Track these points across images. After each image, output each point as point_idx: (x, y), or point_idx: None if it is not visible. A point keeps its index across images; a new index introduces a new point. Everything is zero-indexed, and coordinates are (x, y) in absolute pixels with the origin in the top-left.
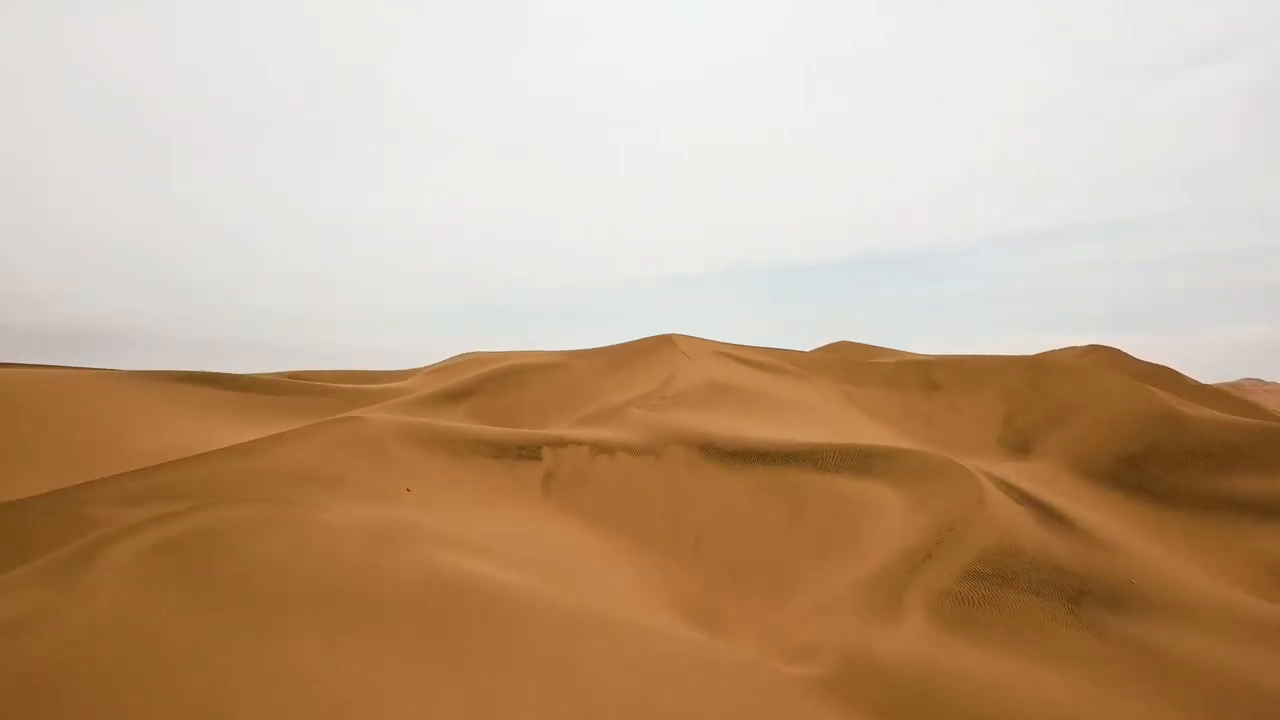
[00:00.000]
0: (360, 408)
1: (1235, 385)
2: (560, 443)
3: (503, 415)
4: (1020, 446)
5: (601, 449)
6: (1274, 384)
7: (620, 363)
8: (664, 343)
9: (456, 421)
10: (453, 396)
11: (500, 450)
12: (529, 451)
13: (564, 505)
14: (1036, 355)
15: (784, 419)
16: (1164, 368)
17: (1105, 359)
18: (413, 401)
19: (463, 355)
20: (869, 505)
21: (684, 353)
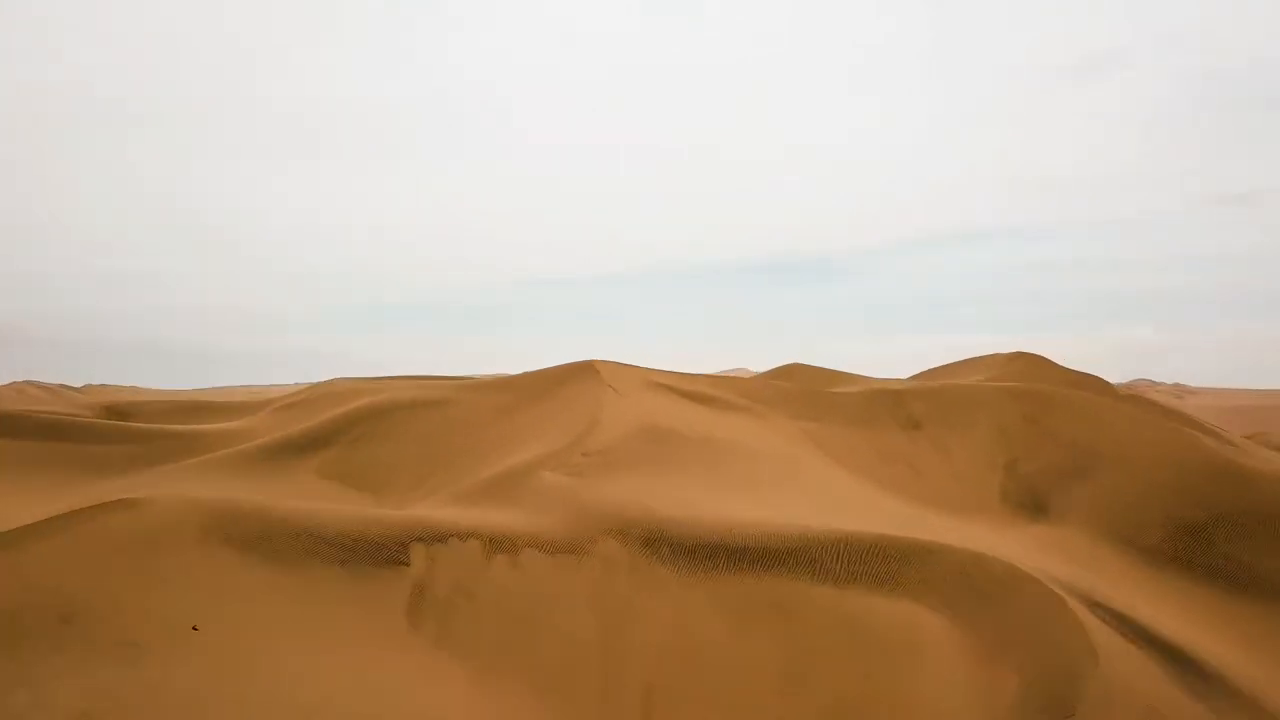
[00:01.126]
0: (173, 463)
1: (1130, 386)
2: (437, 535)
3: (366, 475)
4: (1033, 504)
5: (499, 545)
6: (1163, 384)
7: (526, 399)
8: (583, 372)
9: (301, 484)
10: (302, 447)
11: (348, 551)
12: (391, 553)
13: (440, 642)
14: (1026, 386)
15: (748, 478)
16: (1092, 376)
17: (1032, 367)
18: (247, 454)
19: (326, 384)
20: (907, 645)
21: (610, 385)
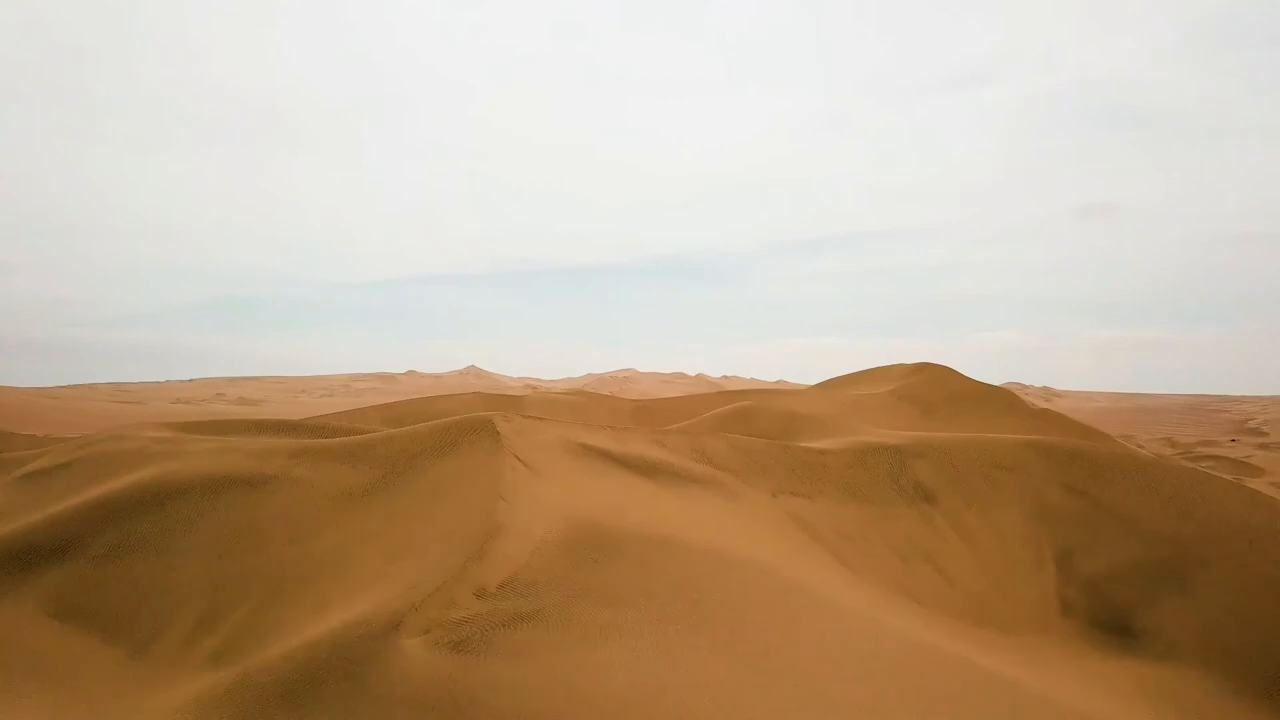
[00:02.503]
0: None
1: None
2: None
3: (122, 615)
4: (1111, 623)
5: None
6: (1033, 387)
7: (390, 478)
8: (476, 434)
9: (13, 630)
10: (23, 558)
11: None
12: None
13: None
14: (1058, 441)
15: (739, 634)
16: (1000, 389)
17: (940, 378)
18: None
19: (104, 437)
20: None
21: (516, 455)
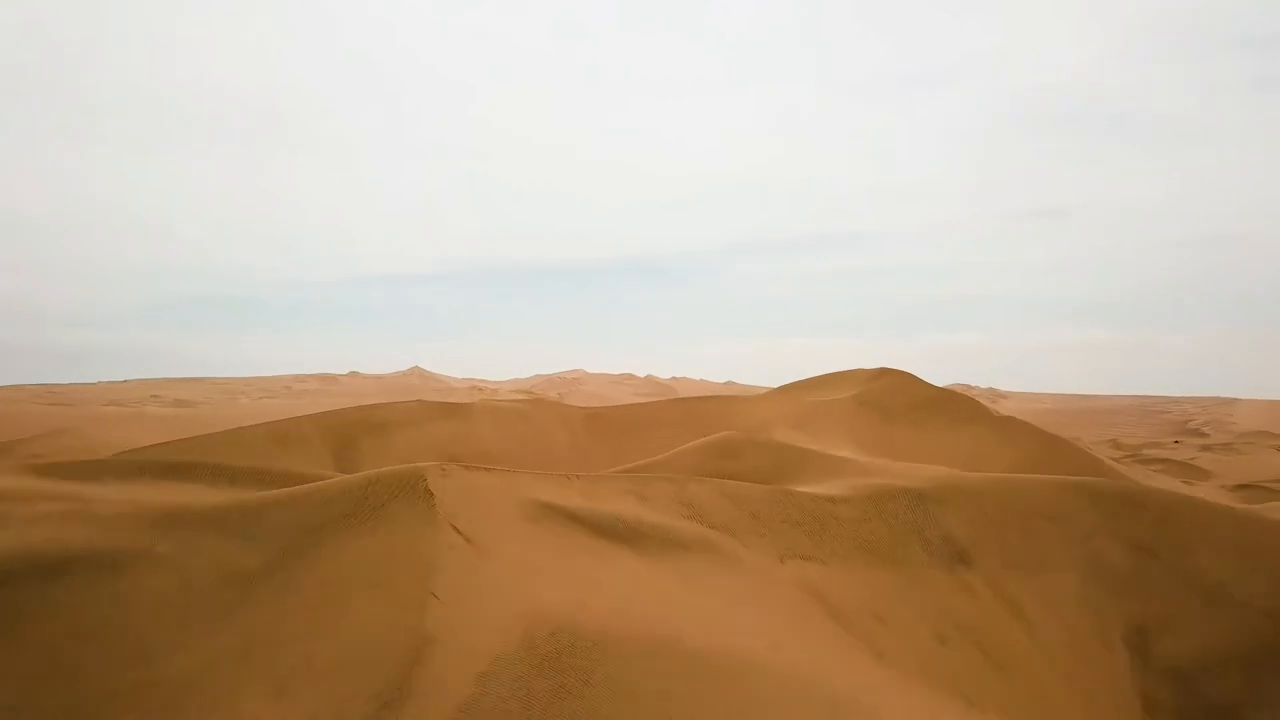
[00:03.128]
0: None
1: (947, 389)
2: None
3: None
4: (1210, 710)
5: None
6: (979, 387)
7: (282, 560)
8: (405, 497)
9: None
10: None
11: None
12: None
13: None
14: (1107, 484)
15: None
16: (956, 395)
17: (901, 384)
18: None
19: None
20: None
21: (455, 526)
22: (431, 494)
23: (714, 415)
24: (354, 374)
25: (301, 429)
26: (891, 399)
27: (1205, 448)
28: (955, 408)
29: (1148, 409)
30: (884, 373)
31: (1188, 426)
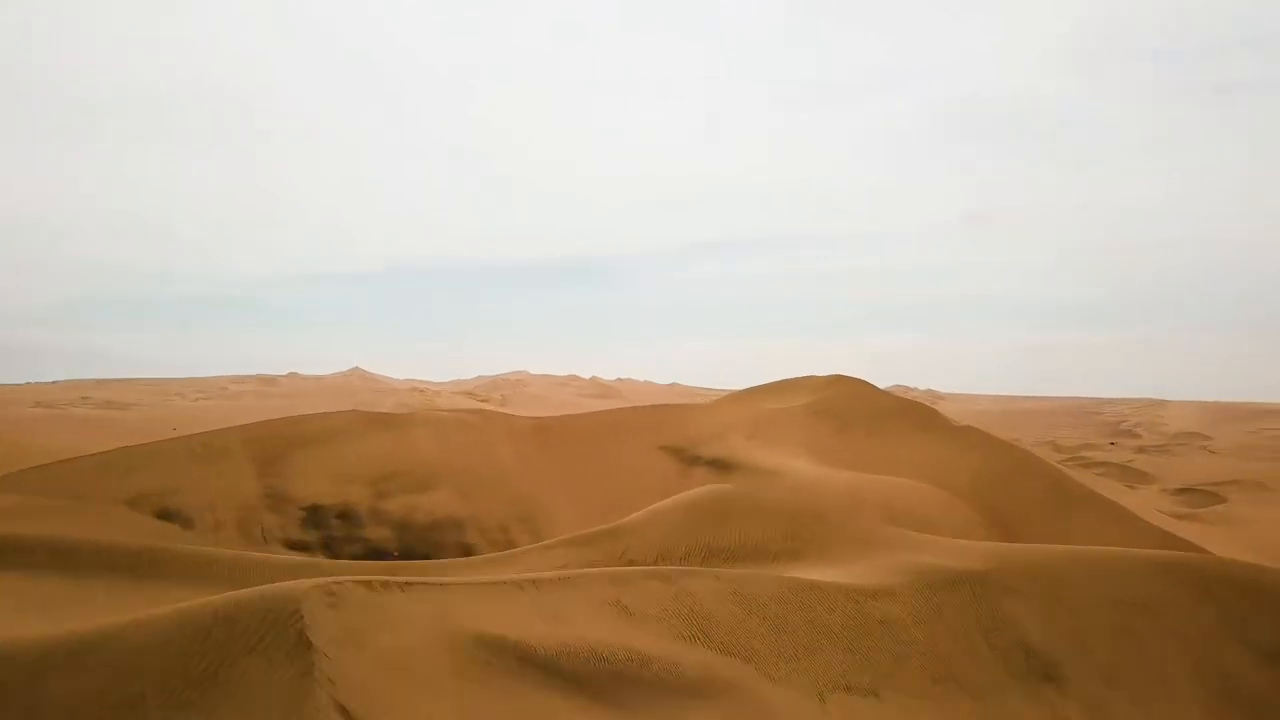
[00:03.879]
0: None
1: (888, 391)
2: None
3: None
4: None
5: None
6: (918, 389)
7: None
8: (270, 650)
9: None
10: None
11: None
12: None
13: None
14: (1207, 559)
15: None
16: (914, 404)
17: (855, 392)
18: None
19: None
20: None
21: (343, 707)
22: (309, 644)
23: (666, 424)
24: (293, 375)
25: (224, 442)
26: (846, 407)
27: (1140, 449)
28: (912, 416)
29: (1082, 410)
30: (837, 380)
31: (1121, 428)
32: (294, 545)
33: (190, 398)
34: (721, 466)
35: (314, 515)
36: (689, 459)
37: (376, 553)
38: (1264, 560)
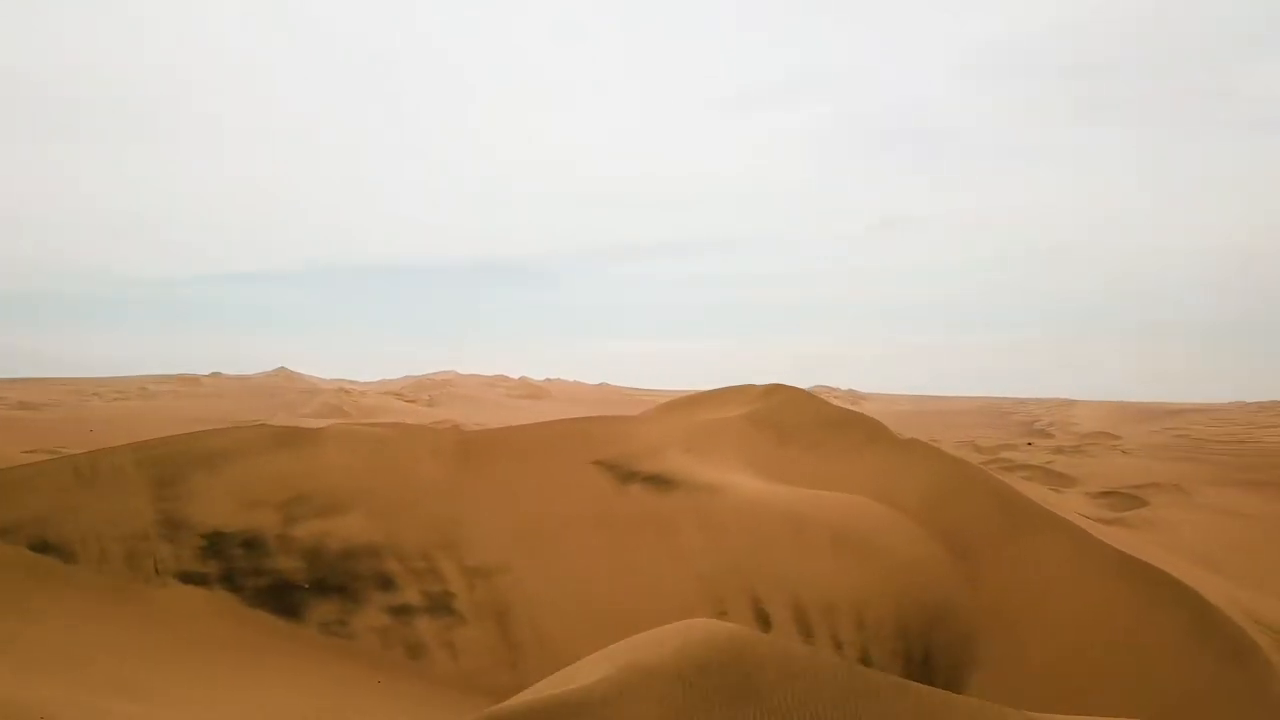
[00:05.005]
0: None
1: (810, 392)
2: None
3: None
4: None
5: None
6: (839, 390)
7: None
8: None
9: None
10: None
11: None
12: None
13: None
14: None
15: None
16: (858, 415)
17: (796, 401)
18: None
19: None
20: None
21: None
22: None
23: (599, 436)
24: (216, 375)
25: (116, 462)
26: (786, 417)
27: (1058, 450)
28: (855, 427)
29: (997, 410)
30: (776, 389)
31: (1034, 427)
32: (190, 578)
33: (108, 398)
34: (659, 483)
35: (215, 544)
36: (624, 474)
37: (285, 585)
38: (1188, 564)
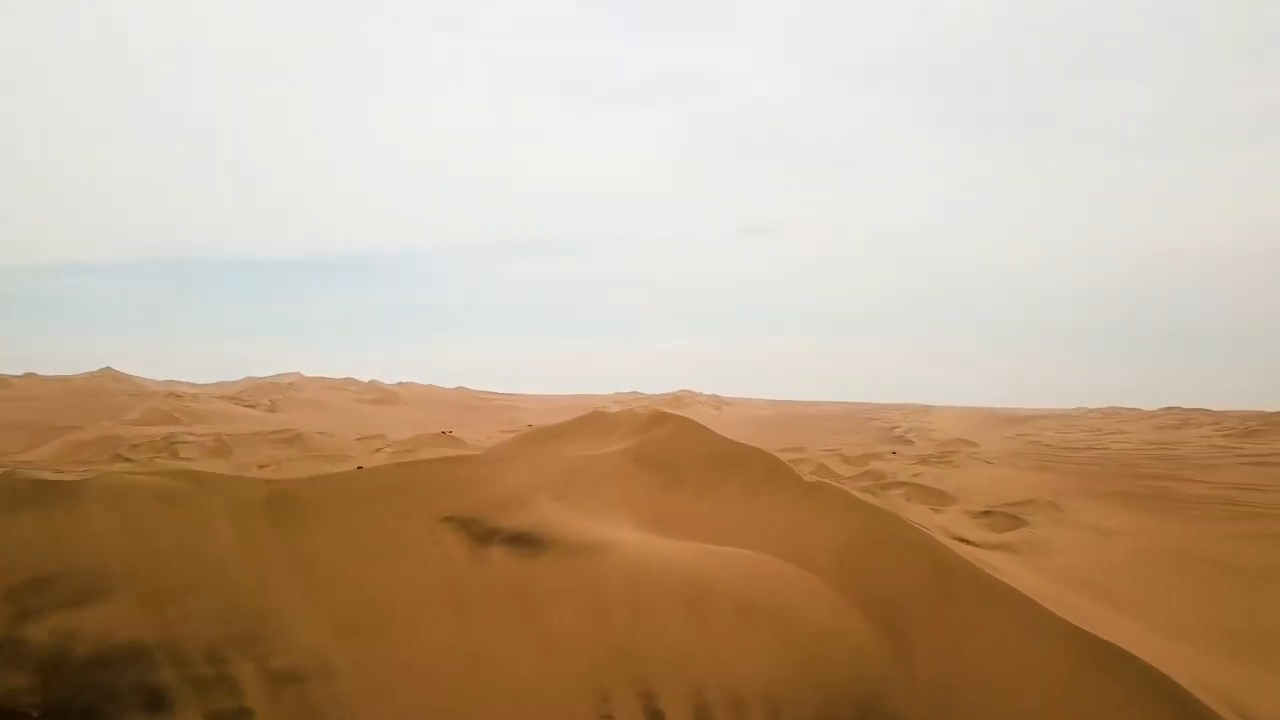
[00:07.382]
0: None
1: (675, 397)
2: None
3: None
4: None
5: None
6: (703, 394)
7: None
8: None
9: None
10: None
11: None
12: None
13: None
14: None
15: None
16: (750, 450)
17: (686, 434)
18: None
19: None
20: None
21: None
22: None
23: (449, 483)
24: (31, 375)
25: None
26: (674, 453)
27: (922, 459)
28: (753, 467)
29: (856, 415)
30: (662, 419)
31: (894, 433)
32: None
33: None
34: (526, 543)
35: None
36: (482, 533)
37: (3, 715)
38: (1077, 595)
